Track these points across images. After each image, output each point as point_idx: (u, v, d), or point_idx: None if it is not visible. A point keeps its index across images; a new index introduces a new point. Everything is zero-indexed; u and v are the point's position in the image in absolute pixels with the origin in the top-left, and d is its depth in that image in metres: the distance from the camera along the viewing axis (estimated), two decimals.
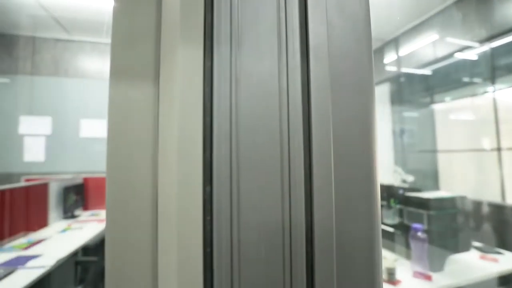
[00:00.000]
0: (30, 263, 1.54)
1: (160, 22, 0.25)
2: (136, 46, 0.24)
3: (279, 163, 0.22)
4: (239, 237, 0.21)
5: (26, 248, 1.80)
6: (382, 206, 1.90)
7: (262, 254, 0.21)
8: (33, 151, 3.04)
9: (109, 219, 0.22)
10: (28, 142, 3.04)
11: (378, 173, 0.28)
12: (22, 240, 1.95)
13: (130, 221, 0.23)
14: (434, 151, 3.04)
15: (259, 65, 0.23)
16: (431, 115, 3.09)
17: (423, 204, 1.33)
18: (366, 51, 0.30)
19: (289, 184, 0.22)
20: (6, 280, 1.36)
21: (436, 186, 2.99)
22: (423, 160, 3.14)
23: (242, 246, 0.21)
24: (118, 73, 0.23)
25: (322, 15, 0.25)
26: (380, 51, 3.44)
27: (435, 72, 2.95)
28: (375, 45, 3.47)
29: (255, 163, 0.22)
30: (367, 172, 0.26)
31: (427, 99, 3.14)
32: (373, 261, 0.24)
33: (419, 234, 1.22)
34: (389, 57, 3.32)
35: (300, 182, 0.23)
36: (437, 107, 3.08)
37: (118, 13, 0.24)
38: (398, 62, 3.22)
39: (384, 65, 3.40)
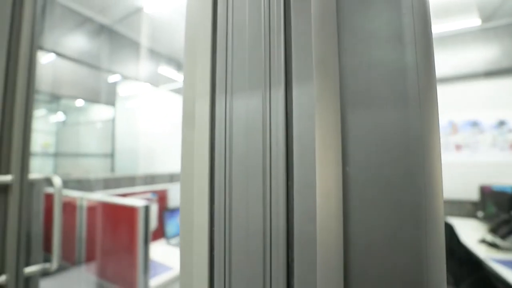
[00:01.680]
0: None
1: None
2: (194, 98, 0.35)
3: (261, 191, 0.25)
4: (230, 245, 0.26)
5: None
6: None
7: (247, 255, 0.25)
8: None
9: (182, 208, 0.35)
10: None
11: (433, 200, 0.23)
12: None
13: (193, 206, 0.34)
14: None
15: (246, 104, 0.27)
16: None
17: None
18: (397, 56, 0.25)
19: (270, 207, 0.25)
20: None
21: None
22: None
23: (232, 250, 0.26)
24: (185, 118, 0.35)
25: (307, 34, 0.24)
26: None
27: None
28: None
29: (243, 189, 0.26)
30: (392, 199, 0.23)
31: None
32: None
33: None
34: None
35: (281, 209, 0.24)
36: None
37: (186, 78, 0.36)
38: None
39: None
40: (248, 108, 0.27)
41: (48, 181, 0.79)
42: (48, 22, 1.99)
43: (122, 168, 3.09)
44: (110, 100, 3.05)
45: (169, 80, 3.61)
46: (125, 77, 2.83)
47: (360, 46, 0.26)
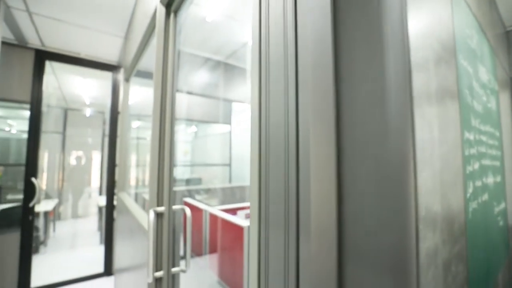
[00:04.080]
0: None
1: None
2: None
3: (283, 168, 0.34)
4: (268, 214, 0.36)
5: None
6: None
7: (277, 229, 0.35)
8: None
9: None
10: None
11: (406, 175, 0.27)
12: None
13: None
14: None
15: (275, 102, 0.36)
16: None
17: None
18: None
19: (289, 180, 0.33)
20: None
21: None
22: None
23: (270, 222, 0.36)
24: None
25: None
26: None
27: None
28: None
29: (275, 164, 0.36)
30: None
31: None
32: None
33: None
34: None
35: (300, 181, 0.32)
36: None
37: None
38: None
39: None
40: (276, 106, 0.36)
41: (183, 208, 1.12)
42: (185, 68, 2.66)
43: (237, 177, 3.64)
44: (227, 120, 3.67)
45: None
46: (236, 100, 3.34)
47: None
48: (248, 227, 1.41)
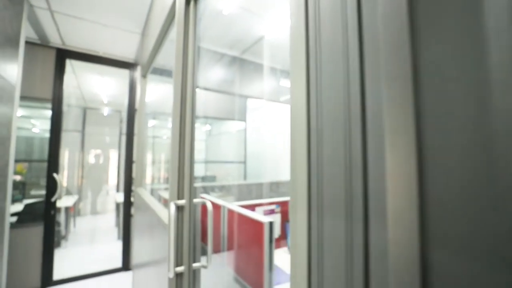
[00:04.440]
0: None
1: None
2: None
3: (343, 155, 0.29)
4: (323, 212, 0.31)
5: None
6: None
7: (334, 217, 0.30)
8: None
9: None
10: None
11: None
12: None
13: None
14: None
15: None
16: None
17: None
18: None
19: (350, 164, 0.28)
20: None
21: None
22: None
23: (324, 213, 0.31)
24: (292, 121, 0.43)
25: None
26: None
27: None
28: None
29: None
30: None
31: None
32: None
33: None
34: None
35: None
36: None
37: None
38: None
39: None
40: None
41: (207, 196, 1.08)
42: (200, 63, 2.65)
43: (252, 174, 3.60)
44: (242, 117, 3.63)
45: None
46: (252, 97, 3.30)
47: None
48: (270, 222, 1.36)
